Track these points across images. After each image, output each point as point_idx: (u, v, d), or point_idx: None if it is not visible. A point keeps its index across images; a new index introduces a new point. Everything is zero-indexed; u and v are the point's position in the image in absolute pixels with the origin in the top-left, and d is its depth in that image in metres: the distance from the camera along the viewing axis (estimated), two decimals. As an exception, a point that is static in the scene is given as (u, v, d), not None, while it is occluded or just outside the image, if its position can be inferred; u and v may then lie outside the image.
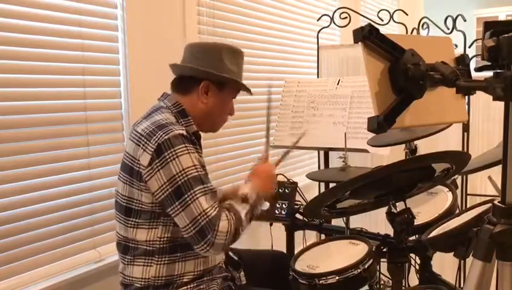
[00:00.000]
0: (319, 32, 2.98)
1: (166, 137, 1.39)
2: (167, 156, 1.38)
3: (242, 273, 1.70)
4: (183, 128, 1.45)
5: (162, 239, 1.45)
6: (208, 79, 1.55)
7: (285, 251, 2.23)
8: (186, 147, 1.40)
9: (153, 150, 1.39)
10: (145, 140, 1.41)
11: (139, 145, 1.42)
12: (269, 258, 1.88)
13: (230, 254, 1.76)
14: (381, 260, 1.66)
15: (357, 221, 2.35)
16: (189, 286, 1.48)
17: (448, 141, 2.54)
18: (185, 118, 1.53)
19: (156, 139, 1.39)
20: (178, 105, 1.53)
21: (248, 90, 1.63)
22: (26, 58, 1.67)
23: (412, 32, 2.70)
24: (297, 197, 2.18)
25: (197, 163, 1.41)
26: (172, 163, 1.37)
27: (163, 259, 1.46)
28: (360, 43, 0.91)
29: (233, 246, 1.81)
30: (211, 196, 1.41)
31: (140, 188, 1.43)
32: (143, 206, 1.44)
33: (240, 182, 1.60)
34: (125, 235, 1.49)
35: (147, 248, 1.45)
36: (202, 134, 1.61)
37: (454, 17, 2.50)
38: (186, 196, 1.37)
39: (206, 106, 1.56)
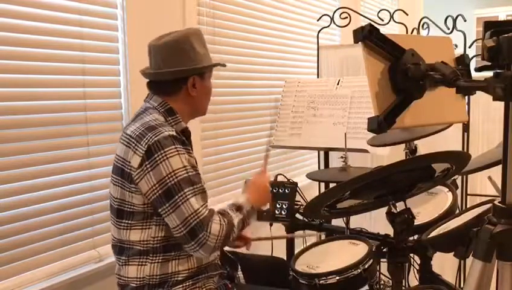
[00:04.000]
0: (319, 32, 2.98)
1: (156, 138, 1.40)
2: (157, 158, 1.38)
3: (240, 272, 1.70)
4: (173, 129, 1.46)
5: (155, 239, 1.46)
6: (193, 74, 1.56)
7: (285, 250, 2.23)
8: (176, 148, 1.41)
9: (143, 151, 1.39)
10: (135, 142, 1.42)
11: (129, 147, 1.43)
12: (268, 265, 1.88)
13: (227, 253, 1.76)
14: (381, 260, 1.66)
15: (357, 221, 2.35)
16: (184, 284, 1.48)
17: (448, 141, 2.54)
18: (172, 116, 1.54)
19: (146, 141, 1.40)
20: (165, 104, 1.54)
21: (223, 65, 1.66)
22: (26, 58, 1.67)
23: (412, 32, 2.70)
24: (297, 197, 2.18)
25: (186, 164, 1.41)
26: (162, 165, 1.38)
27: (157, 258, 1.46)
28: (360, 43, 0.91)
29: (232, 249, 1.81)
30: (202, 196, 1.43)
31: (131, 189, 1.44)
32: (135, 207, 1.45)
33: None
34: (119, 237, 1.50)
35: (141, 248, 1.46)
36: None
37: (455, 17, 2.50)
38: (176, 197, 1.38)
39: (195, 97, 1.58)
